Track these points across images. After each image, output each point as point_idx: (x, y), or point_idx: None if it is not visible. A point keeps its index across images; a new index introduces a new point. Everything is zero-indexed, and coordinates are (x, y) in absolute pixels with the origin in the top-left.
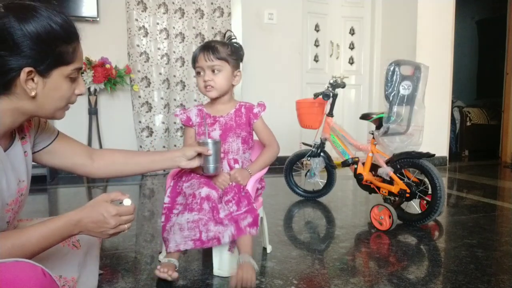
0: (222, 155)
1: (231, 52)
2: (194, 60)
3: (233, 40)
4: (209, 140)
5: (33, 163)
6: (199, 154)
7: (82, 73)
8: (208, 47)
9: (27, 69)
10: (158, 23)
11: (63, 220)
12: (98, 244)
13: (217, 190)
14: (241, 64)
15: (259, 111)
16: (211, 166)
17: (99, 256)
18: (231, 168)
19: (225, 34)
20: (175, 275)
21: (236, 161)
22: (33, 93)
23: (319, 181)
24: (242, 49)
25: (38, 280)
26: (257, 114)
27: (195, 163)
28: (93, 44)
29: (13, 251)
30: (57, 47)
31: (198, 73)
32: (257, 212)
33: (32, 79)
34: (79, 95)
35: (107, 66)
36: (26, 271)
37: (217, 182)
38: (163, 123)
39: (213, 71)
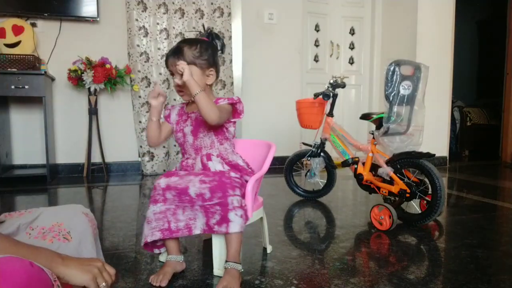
0: (193, 152)
1: (200, 53)
2: (166, 63)
3: (202, 33)
4: None
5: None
6: None
7: (82, 73)
8: (174, 52)
9: None
10: (158, 23)
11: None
12: (92, 231)
13: (176, 175)
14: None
15: (224, 99)
16: None
17: (99, 243)
18: (203, 165)
19: (203, 27)
20: (164, 283)
21: (209, 157)
22: None
23: (319, 181)
24: (217, 44)
25: (25, 271)
26: (218, 99)
27: None
28: (93, 44)
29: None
30: None
31: (172, 75)
32: (229, 206)
33: None
34: None
35: (107, 66)
36: (13, 262)
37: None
38: None
39: (181, 75)
